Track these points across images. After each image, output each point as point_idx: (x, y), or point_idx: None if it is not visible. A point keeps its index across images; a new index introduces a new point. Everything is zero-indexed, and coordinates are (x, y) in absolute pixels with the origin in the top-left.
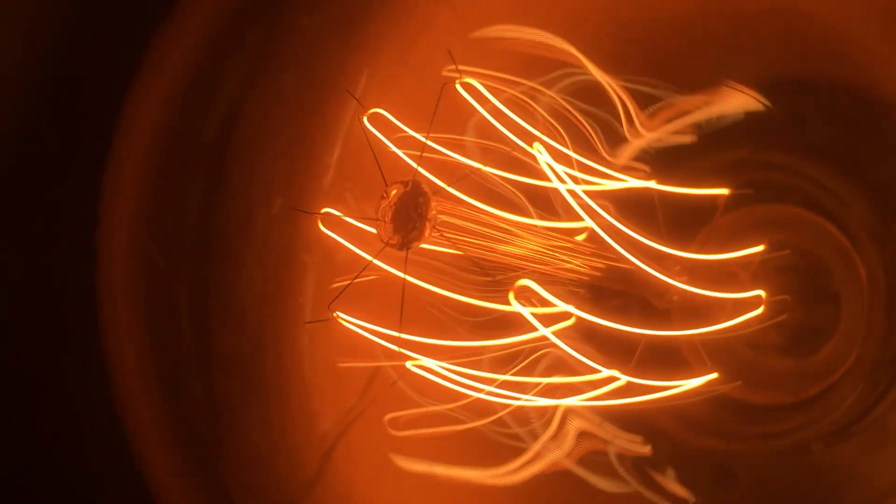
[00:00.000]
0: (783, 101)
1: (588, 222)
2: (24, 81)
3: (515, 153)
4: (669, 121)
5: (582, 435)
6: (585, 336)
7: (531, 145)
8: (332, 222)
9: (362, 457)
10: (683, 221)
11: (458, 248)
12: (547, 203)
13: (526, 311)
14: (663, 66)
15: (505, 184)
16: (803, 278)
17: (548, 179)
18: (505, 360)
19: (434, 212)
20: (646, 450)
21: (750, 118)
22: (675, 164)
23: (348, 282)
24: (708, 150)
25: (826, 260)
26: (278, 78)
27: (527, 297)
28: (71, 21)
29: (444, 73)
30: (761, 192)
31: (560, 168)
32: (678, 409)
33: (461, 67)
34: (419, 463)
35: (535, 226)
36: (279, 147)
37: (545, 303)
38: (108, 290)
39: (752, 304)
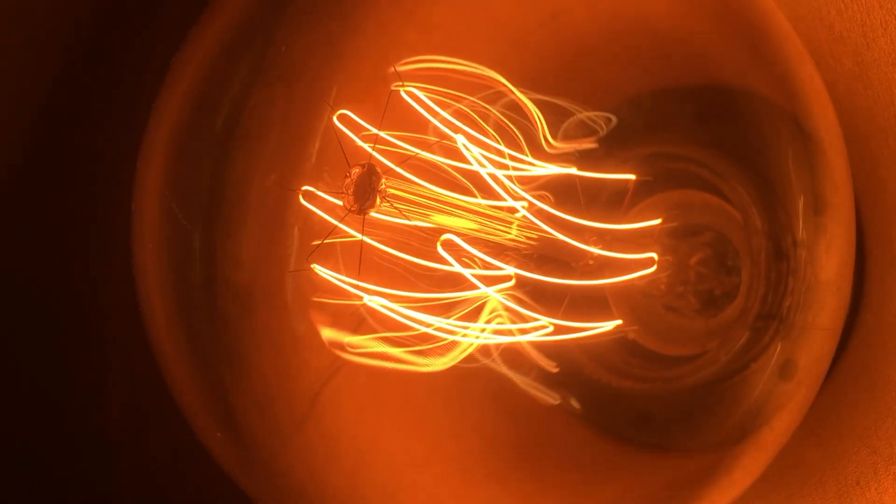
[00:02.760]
0: (681, 104)
1: (510, 202)
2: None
3: (450, 143)
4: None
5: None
6: (526, 292)
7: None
8: (311, 196)
9: (346, 399)
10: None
11: (404, 216)
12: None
13: (466, 272)
14: (572, 84)
15: (451, 170)
16: (715, 252)
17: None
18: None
19: (384, 186)
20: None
21: (652, 119)
22: (602, 158)
23: (320, 241)
24: (627, 146)
25: (730, 238)
26: (269, 89)
27: (472, 259)
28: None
29: (393, 88)
30: (674, 180)
31: (478, 152)
32: (602, 356)
33: (412, 84)
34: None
35: (474, 203)
36: (272, 139)
37: (488, 265)
38: (139, 240)
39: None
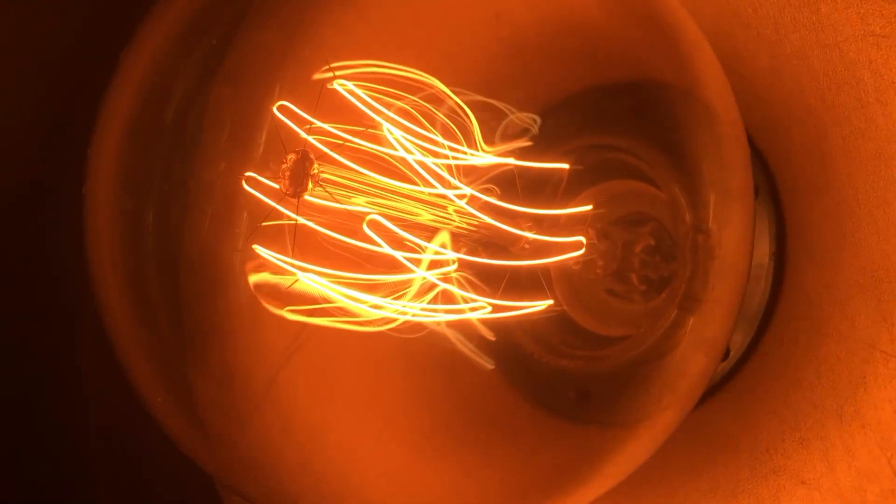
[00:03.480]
0: (615, 98)
1: (440, 188)
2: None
3: (377, 132)
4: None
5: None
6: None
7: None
8: (254, 182)
9: (301, 380)
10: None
11: (336, 201)
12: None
13: (397, 253)
14: (515, 80)
15: (392, 160)
16: (651, 239)
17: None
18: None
19: (316, 171)
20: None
21: (591, 114)
22: (544, 151)
23: (261, 224)
24: (568, 140)
25: (665, 224)
26: (219, 86)
27: (419, 245)
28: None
29: (330, 86)
30: (614, 171)
31: (407, 140)
32: (542, 337)
33: (350, 81)
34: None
35: (409, 188)
36: (223, 129)
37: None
38: (91, 220)
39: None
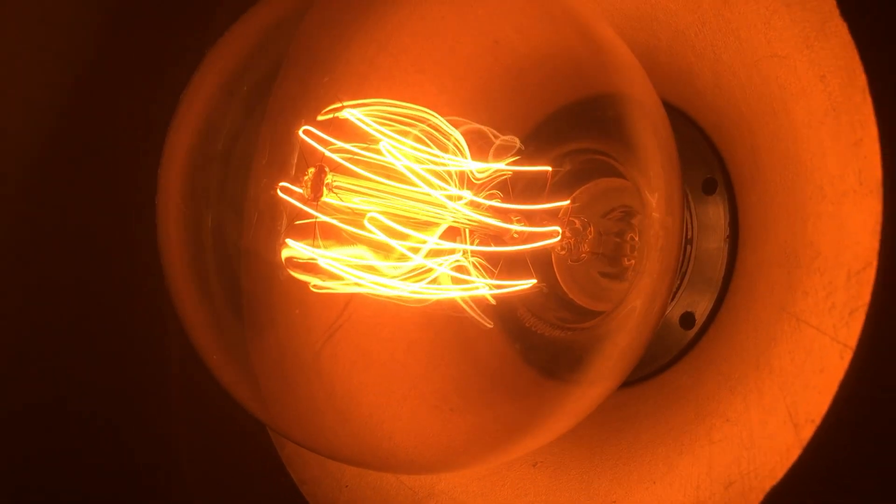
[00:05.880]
0: (593, 109)
1: (432, 193)
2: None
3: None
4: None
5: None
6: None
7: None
8: (287, 190)
9: (341, 353)
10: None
11: (341, 200)
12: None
13: (396, 244)
14: (514, 96)
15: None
16: (630, 225)
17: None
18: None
19: (330, 181)
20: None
21: (576, 123)
22: (534, 155)
23: (292, 223)
24: (558, 145)
25: (638, 212)
26: (258, 119)
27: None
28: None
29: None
30: (596, 171)
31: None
32: (537, 311)
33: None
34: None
35: (411, 190)
36: (262, 154)
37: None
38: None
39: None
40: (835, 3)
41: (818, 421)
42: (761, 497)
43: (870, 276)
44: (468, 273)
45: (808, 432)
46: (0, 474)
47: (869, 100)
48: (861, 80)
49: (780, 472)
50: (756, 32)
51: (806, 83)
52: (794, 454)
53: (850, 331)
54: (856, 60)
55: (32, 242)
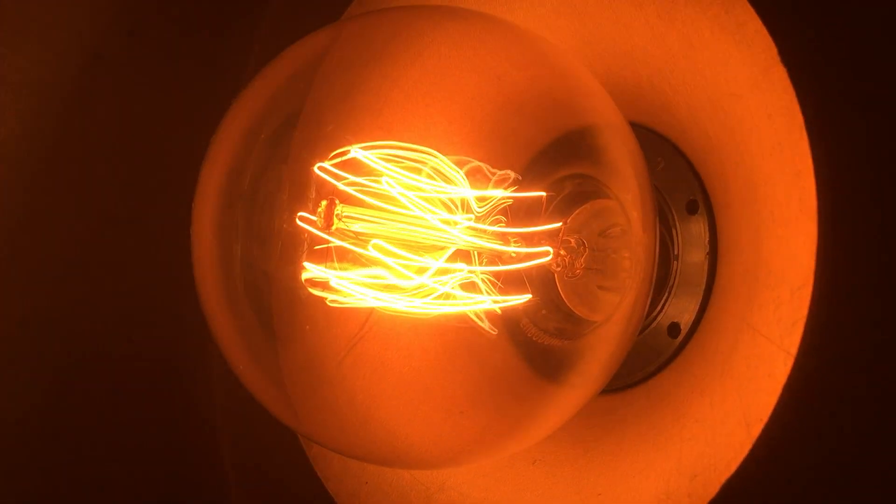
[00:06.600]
0: (583, 137)
1: (428, 218)
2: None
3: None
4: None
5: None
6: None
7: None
8: (305, 220)
9: (362, 363)
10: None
11: (350, 228)
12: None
13: (396, 264)
14: (514, 127)
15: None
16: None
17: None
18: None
19: (339, 211)
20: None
21: (570, 151)
22: (534, 181)
23: (315, 247)
24: (554, 171)
25: (623, 227)
26: (280, 161)
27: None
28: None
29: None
30: (592, 194)
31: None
32: (538, 318)
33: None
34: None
35: (411, 216)
36: (283, 191)
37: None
38: (198, 256)
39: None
40: (776, 50)
41: (765, 420)
42: (717, 488)
43: (808, 292)
44: (478, 287)
45: (756, 430)
46: (51, 477)
47: (805, 137)
48: (799, 119)
49: (734, 466)
50: (718, 72)
51: (758, 120)
52: (746, 450)
53: (793, 340)
54: (794, 102)
55: (84, 266)
